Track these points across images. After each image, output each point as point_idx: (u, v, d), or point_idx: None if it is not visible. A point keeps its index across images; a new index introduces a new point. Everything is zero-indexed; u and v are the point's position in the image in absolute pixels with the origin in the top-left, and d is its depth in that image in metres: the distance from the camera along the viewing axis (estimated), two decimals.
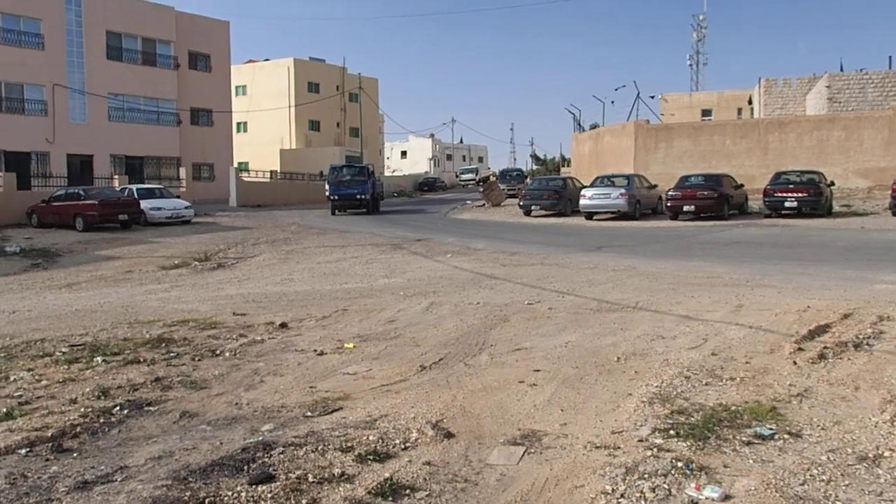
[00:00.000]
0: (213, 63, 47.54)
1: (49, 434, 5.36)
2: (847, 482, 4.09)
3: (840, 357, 6.62)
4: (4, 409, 6.01)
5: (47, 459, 4.91)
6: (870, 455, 4.45)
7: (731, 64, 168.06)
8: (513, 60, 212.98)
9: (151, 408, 6.05)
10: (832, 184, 25.48)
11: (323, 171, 35.78)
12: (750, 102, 54.73)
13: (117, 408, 6.01)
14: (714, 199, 24.47)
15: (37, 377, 7.10)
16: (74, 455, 4.99)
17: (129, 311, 11.16)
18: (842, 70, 42.82)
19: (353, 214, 33.45)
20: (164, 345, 8.36)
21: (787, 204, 23.92)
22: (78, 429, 5.50)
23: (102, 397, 6.33)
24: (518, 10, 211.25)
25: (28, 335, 9.29)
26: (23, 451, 5.05)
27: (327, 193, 33.85)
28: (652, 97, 55.06)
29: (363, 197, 33.72)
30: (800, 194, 23.82)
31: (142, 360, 7.67)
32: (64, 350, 8.25)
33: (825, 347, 6.86)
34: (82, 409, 5.96)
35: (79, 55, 39.49)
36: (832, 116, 35.20)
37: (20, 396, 6.45)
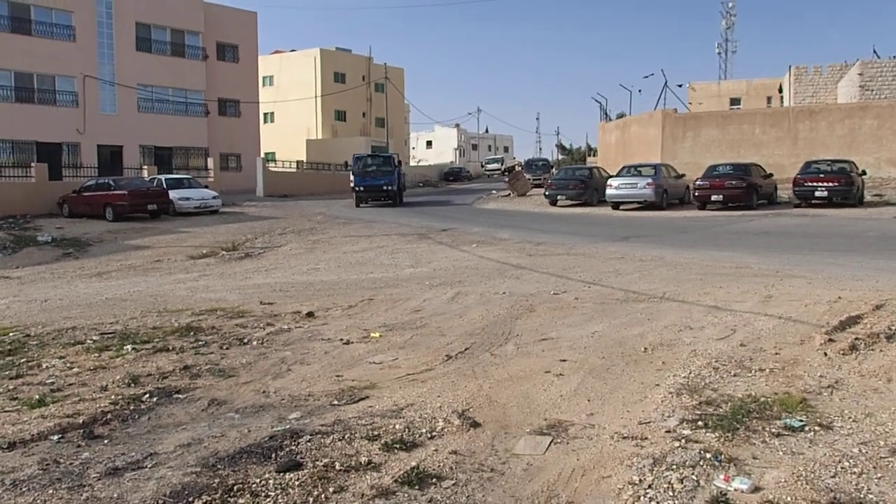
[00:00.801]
0: (241, 54, 47.76)
1: (80, 421, 5.44)
2: (879, 475, 4.03)
3: (872, 348, 6.51)
4: (37, 396, 6.11)
5: (79, 446, 4.99)
6: None
7: (760, 52, 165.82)
8: (539, 49, 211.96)
9: (180, 395, 6.12)
10: (864, 173, 25.02)
11: (348, 161, 34.65)
12: (780, 91, 53.93)
13: (147, 395, 6.08)
14: (742, 189, 24.17)
15: (68, 365, 7.21)
16: (105, 442, 5.07)
17: (159, 299, 11.28)
18: (877, 56, 41.98)
19: (379, 205, 32.91)
20: (192, 333, 8.45)
21: (817, 193, 23.53)
22: (108, 416, 5.58)
23: (132, 385, 6.41)
24: None
25: (60, 323, 9.43)
26: (55, 438, 5.13)
27: (352, 184, 32.57)
28: (680, 86, 54.78)
29: (390, 188, 32.32)
30: (830, 184, 23.42)
31: (171, 348, 7.75)
32: (95, 338, 8.37)
33: (856, 338, 6.75)
34: (113, 397, 6.04)
35: (109, 47, 39.90)
36: (864, 104, 34.57)
37: (52, 384, 6.55)
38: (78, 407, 5.80)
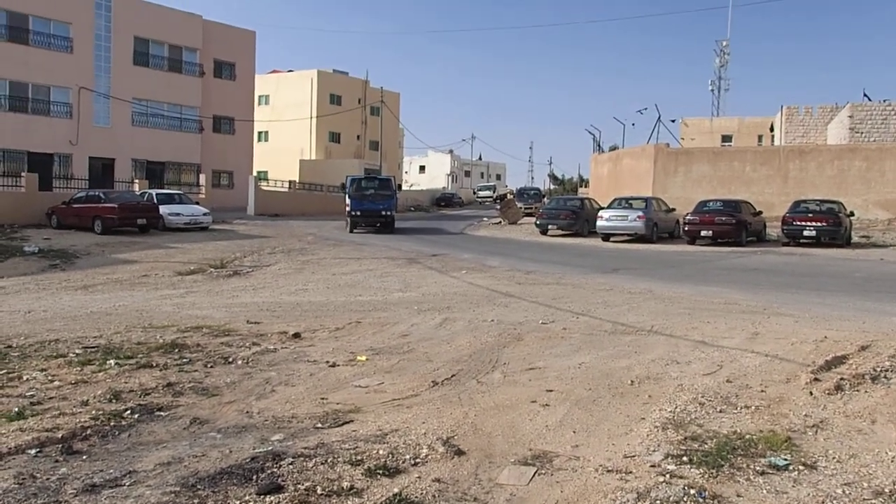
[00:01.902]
0: (238, 72, 48.01)
1: (59, 435, 5.37)
2: None
3: (857, 389, 6.52)
4: (16, 409, 6.03)
5: (56, 461, 4.91)
6: (886, 490, 4.37)
7: (752, 90, 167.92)
8: (534, 79, 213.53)
9: (162, 413, 6.05)
10: (852, 214, 25.28)
11: (344, 183, 32.72)
12: (771, 129, 54.47)
13: (128, 412, 6.01)
14: (732, 225, 24.36)
15: (49, 378, 7.13)
16: (84, 457, 5.00)
17: (144, 315, 11.20)
18: (868, 99, 42.49)
19: (370, 230, 31.35)
20: (177, 350, 8.38)
21: (805, 233, 23.76)
22: (88, 431, 5.50)
23: (114, 400, 6.34)
24: (540, 29, 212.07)
25: (42, 335, 9.34)
26: (32, 452, 5.06)
27: (347, 208, 30.48)
28: (673, 121, 54.90)
29: (388, 213, 30.40)
30: (819, 223, 23.67)
31: (154, 364, 7.69)
32: (77, 352, 8.29)
33: (842, 379, 6.77)
34: (93, 412, 5.97)
35: (106, 60, 40.02)
36: (854, 146, 34.97)
37: (32, 396, 6.47)
38: (57, 421, 5.72)
